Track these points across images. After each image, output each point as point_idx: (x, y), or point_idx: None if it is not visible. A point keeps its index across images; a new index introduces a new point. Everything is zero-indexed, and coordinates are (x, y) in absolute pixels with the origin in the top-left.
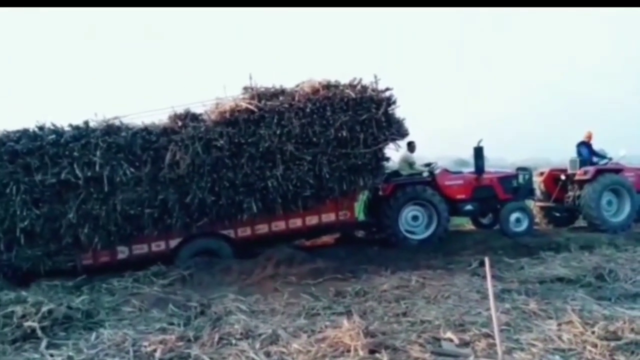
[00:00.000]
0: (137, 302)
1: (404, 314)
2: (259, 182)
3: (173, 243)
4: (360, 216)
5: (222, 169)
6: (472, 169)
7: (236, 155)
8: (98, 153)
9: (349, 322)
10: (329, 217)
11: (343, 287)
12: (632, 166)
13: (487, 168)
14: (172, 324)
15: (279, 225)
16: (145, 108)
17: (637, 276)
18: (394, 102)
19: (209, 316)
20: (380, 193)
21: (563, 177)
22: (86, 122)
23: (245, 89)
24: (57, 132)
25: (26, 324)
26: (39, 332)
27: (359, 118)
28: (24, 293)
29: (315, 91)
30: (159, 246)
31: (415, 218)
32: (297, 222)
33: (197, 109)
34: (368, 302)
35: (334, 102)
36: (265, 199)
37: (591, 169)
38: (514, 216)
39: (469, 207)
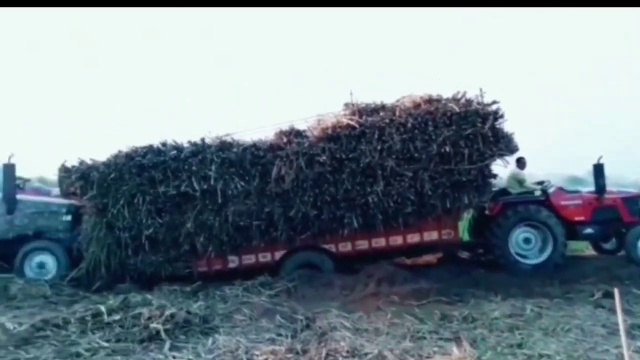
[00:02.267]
0: (247, 311)
1: (519, 346)
2: (359, 198)
3: (278, 255)
4: (465, 236)
5: (324, 184)
6: (589, 187)
7: (337, 171)
8: (213, 167)
9: (459, 350)
10: (431, 236)
11: (449, 311)
12: None
13: (608, 187)
14: (280, 335)
15: (380, 242)
16: (254, 124)
17: None
18: (502, 116)
19: (314, 330)
20: (487, 212)
21: None
22: (202, 139)
23: (346, 105)
24: (178, 148)
25: (152, 325)
26: (163, 334)
27: (463, 133)
28: (149, 296)
29: (417, 106)
30: (265, 257)
31: (527, 241)
32: (397, 240)
33: (300, 125)
34: (477, 329)
35: (436, 116)
36: (366, 215)
37: None
38: None
39: (588, 230)
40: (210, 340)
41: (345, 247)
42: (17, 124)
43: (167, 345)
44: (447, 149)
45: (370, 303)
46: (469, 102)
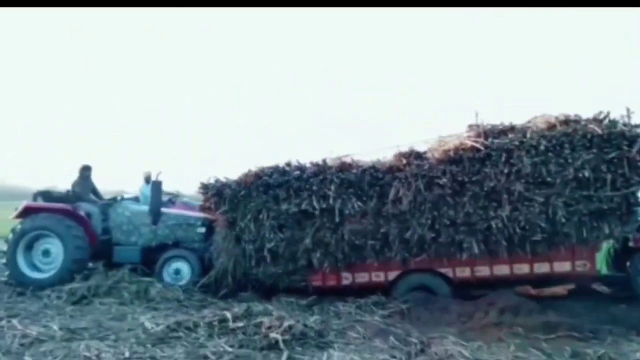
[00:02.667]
0: (361, 329)
1: None
2: (481, 222)
3: (391, 275)
4: (603, 269)
5: (443, 207)
6: None
7: (458, 194)
8: (332, 187)
9: None
10: (562, 267)
11: (582, 349)
12: None
13: None
14: (394, 357)
15: (502, 270)
16: (374, 146)
17: None
18: None
19: (429, 356)
20: (631, 244)
21: None
22: (324, 160)
23: (471, 126)
24: (301, 168)
25: (271, 335)
26: (281, 344)
27: (605, 156)
28: (269, 306)
29: (551, 127)
30: (378, 277)
31: None
32: (523, 268)
33: (421, 147)
34: None
35: (573, 138)
36: (488, 240)
37: None
38: None
39: None
40: (325, 355)
41: (463, 272)
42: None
43: (285, 355)
44: (586, 173)
45: (491, 333)
46: (613, 123)
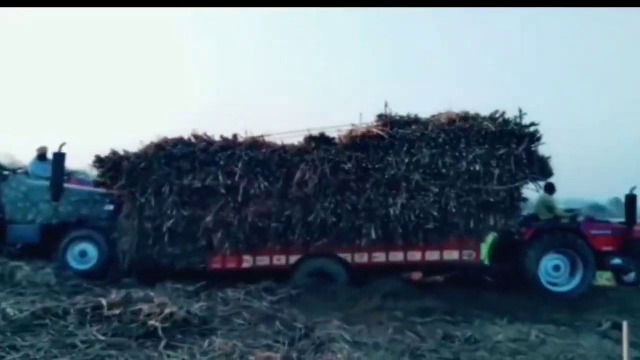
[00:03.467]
0: (247, 315)
1: None
2: (380, 209)
3: (293, 259)
4: (485, 259)
5: (346, 192)
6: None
7: (362, 180)
8: (240, 164)
9: None
10: (451, 255)
11: (452, 331)
12: None
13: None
14: (277, 341)
15: (397, 256)
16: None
17: None
18: (538, 139)
19: (312, 340)
20: (517, 237)
21: None
22: (234, 135)
23: (380, 116)
24: (208, 141)
25: (150, 322)
26: (160, 332)
27: (495, 152)
28: (151, 293)
29: (451, 122)
30: (279, 260)
31: (556, 268)
32: (416, 256)
33: (332, 134)
34: (479, 351)
35: (469, 134)
36: (386, 227)
37: None
38: None
39: (616, 260)
40: (206, 342)
41: (362, 258)
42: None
43: (163, 343)
44: (477, 167)
45: (373, 317)
46: (506, 122)
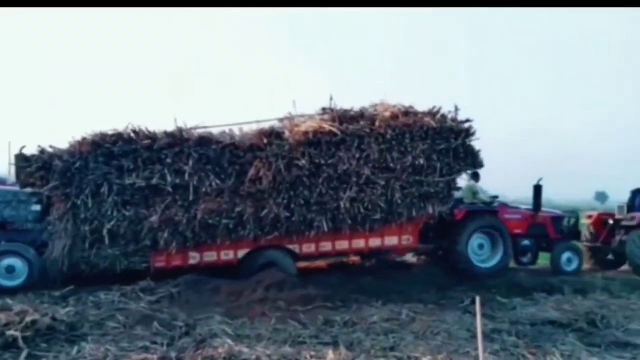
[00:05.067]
0: (122, 318)
1: (392, 348)
2: (332, 202)
3: (241, 253)
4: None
5: (300, 187)
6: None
7: (314, 175)
8: (190, 162)
9: (334, 353)
10: (391, 241)
11: (332, 316)
12: None
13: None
14: (155, 342)
15: (343, 245)
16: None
17: (630, 324)
18: (473, 134)
19: (193, 337)
20: (447, 218)
21: (611, 221)
22: (180, 130)
23: (324, 109)
24: (152, 137)
25: (8, 332)
26: (21, 342)
27: (436, 147)
28: (9, 301)
29: (394, 117)
30: (227, 255)
31: (480, 246)
32: (360, 243)
33: (270, 124)
34: (356, 333)
35: (413, 129)
36: (336, 219)
37: (638, 215)
38: (565, 256)
39: (525, 242)
40: (75, 349)
41: (309, 248)
42: None
43: (24, 354)
44: (421, 161)
45: (256, 309)
46: (443, 118)
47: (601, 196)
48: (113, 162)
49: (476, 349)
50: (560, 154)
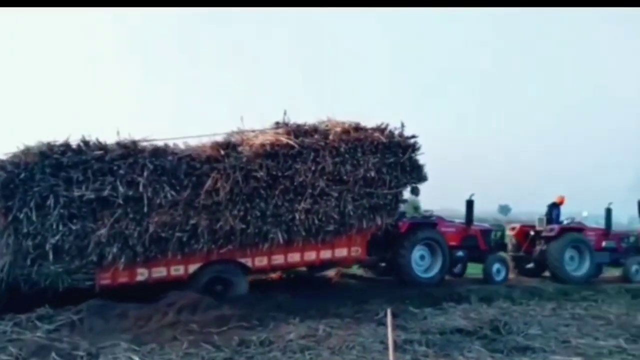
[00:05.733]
0: (14, 350)
1: None
2: (287, 214)
3: (192, 268)
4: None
5: (256, 199)
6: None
7: (271, 187)
8: (145, 174)
9: None
10: (341, 253)
11: (248, 336)
12: (592, 226)
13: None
14: None
15: (295, 257)
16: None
17: (529, 329)
18: (418, 149)
19: None
20: (392, 230)
21: (532, 232)
22: (134, 142)
23: (277, 123)
24: (103, 148)
25: None
26: None
27: (386, 161)
28: None
29: (346, 132)
30: (177, 270)
31: (422, 257)
32: (312, 255)
33: (230, 139)
34: (272, 352)
35: (364, 144)
36: (290, 231)
37: (556, 227)
38: (495, 266)
39: (460, 253)
40: None
41: (262, 261)
42: None
43: None
44: (372, 174)
45: (166, 333)
46: (391, 133)
47: (504, 209)
48: (61, 174)
49: None
50: (464, 167)
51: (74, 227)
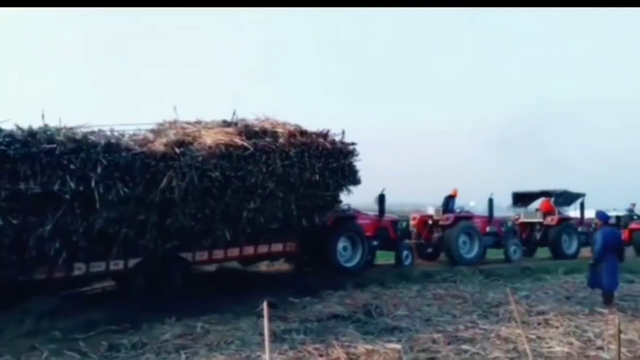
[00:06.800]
0: None
1: None
2: (236, 213)
3: (132, 262)
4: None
5: (208, 198)
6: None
7: (223, 186)
8: (99, 169)
9: None
10: (277, 247)
11: (118, 340)
12: (478, 214)
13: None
14: None
15: (234, 252)
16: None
17: (397, 311)
18: (357, 155)
19: None
20: (319, 224)
21: (430, 221)
22: (85, 135)
23: (225, 122)
24: (52, 141)
25: None
26: None
27: (329, 165)
28: None
29: (293, 135)
30: (117, 265)
31: (344, 248)
32: (250, 250)
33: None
34: (145, 354)
35: (310, 149)
36: (236, 229)
37: (451, 216)
38: (405, 253)
39: (375, 242)
40: None
41: (202, 256)
42: None
43: None
44: (317, 177)
45: (24, 343)
46: (334, 140)
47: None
48: (6, 166)
49: (270, 351)
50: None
51: (14, 222)
